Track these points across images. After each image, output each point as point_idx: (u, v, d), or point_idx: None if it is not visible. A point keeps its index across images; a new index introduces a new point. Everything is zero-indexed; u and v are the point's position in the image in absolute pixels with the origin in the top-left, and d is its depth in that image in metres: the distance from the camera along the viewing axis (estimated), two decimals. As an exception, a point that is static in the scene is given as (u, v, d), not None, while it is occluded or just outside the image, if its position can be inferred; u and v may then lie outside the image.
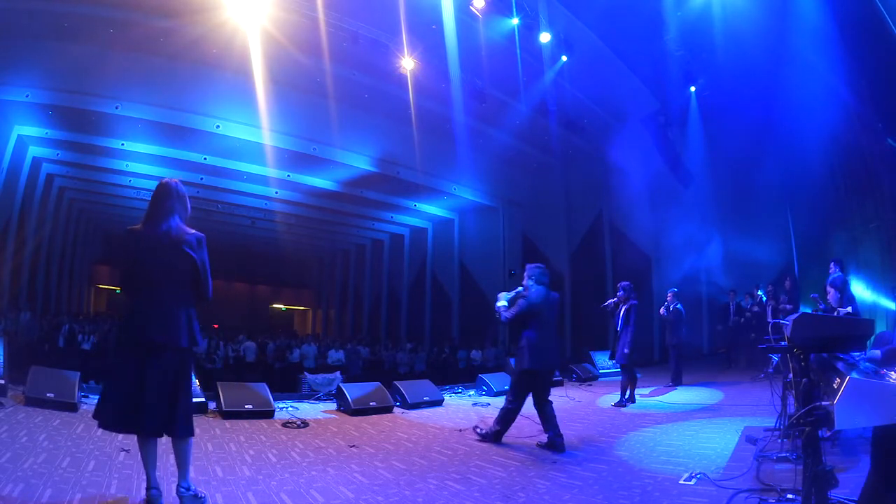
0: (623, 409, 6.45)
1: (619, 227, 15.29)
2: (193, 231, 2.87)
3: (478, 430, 4.96)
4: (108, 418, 2.71)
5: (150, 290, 2.75)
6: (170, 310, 2.74)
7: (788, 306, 8.66)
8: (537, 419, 4.82)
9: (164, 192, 2.86)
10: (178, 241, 2.77)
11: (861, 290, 7.40)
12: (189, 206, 2.96)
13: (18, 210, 12.06)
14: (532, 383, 4.70)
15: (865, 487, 2.23)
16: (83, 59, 9.88)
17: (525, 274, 4.91)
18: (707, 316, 13.50)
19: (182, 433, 2.76)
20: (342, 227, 19.45)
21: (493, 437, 4.78)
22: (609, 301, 7.26)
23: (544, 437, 4.59)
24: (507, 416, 4.75)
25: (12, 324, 10.42)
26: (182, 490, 2.75)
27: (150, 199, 2.89)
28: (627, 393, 6.77)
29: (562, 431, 4.52)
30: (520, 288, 4.89)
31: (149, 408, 2.65)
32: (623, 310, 6.92)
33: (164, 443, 2.87)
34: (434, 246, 18.60)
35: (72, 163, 13.04)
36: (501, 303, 4.87)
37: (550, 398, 4.71)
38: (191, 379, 2.89)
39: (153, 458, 2.74)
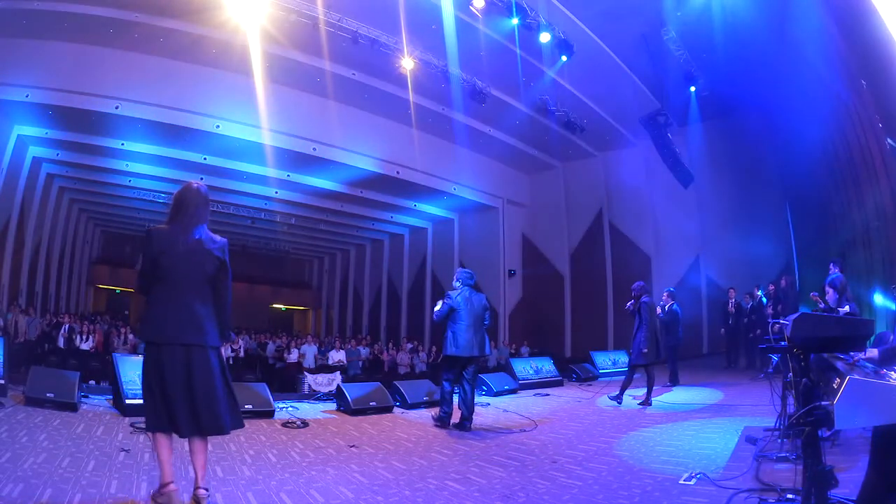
0: (622, 409, 6.45)
1: (619, 227, 15.30)
2: (219, 237, 2.93)
3: (433, 416, 5.61)
4: (163, 422, 2.69)
5: (180, 291, 2.75)
6: (200, 310, 2.76)
7: (777, 318, 8.58)
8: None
9: (194, 197, 2.87)
10: (208, 244, 2.82)
11: (861, 291, 7.38)
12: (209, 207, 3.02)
13: (18, 210, 12.06)
14: (454, 366, 5.45)
15: (864, 488, 2.23)
16: (83, 59, 9.89)
17: (454, 277, 5.77)
18: (707, 316, 13.50)
19: (241, 423, 2.90)
20: (342, 227, 19.44)
21: (444, 419, 5.39)
22: (630, 303, 7.23)
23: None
24: (445, 396, 5.49)
25: (12, 324, 10.43)
26: (203, 492, 2.71)
27: (174, 200, 2.89)
28: (637, 390, 6.76)
29: (562, 431, 4.58)
30: (451, 291, 5.70)
31: (208, 408, 2.68)
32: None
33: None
34: (434, 245, 18.60)
35: (72, 163, 13.04)
36: (437, 307, 5.62)
37: (472, 383, 5.48)
38: (228, 375, 2.94)
39: (170, 453, 2.73)
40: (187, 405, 2.67)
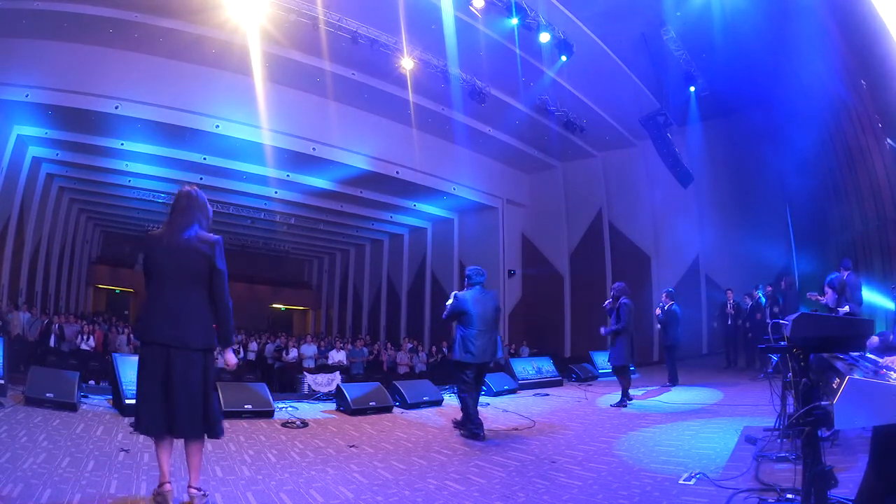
0: (623, 409, 6.45)
1: (619, 227, 15.30)
2: (213, 236, 2.89)
3: (454, 421, 5.31)
4: (146, 424, 2.71)
5: (164, 290, 2.77)
6: (184, 310, 2.75)
7: (776, 318, 8.59)
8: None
9: (184, 200, 2.90)
10: (195, 242, 2.81)
11: (861, 291, 7.38)
12: (210, 212, 2.98)
13: (18, 210, 12.06)
14: (467, 372, 5.05)
15: (862, 488, 2.23)
16: (83, 59, 9.89)
17: (465, 275, 5.35)
18: (706, 316, 13.50)
19: (215, 434, 2.78)
20: (342, 227, 19.44)
21: (476, 436, 4.98)
22: (607, 301, 7.29)
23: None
24: (469, 412, 5.04)
25: (12, 324, 10.42)
26: (194, 491, 2.74)
27: (171, 205, 2.94)
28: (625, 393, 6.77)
29: (562, 431, 4.64)
30: (458, 291, 5.31)
31: (182, 410, 2.66)
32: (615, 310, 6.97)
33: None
34: (433, 245, 18.60)
35: (72, 163, 13.04)
36: (450, 301, 5.24)
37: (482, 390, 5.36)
38: (213, 379, 2.88)
39: (169, 455, 2.75)
40: (162, 405, 2.68)
